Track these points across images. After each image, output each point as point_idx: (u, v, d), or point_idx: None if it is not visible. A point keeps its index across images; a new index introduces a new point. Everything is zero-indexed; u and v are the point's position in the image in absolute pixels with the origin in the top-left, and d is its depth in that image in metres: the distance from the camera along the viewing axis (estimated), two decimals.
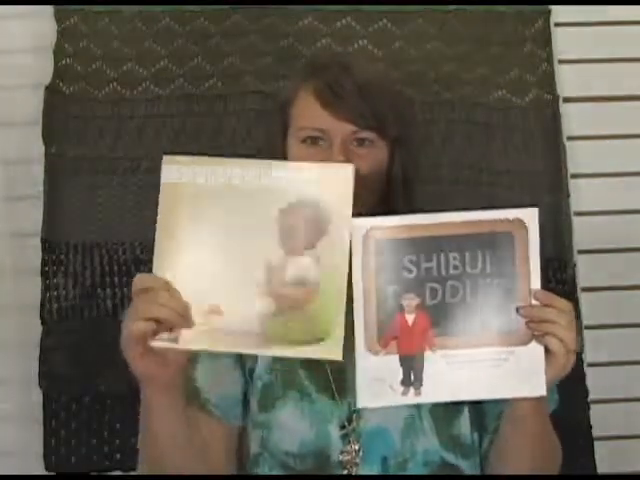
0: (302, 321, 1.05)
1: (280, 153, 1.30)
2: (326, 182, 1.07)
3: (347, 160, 1.21)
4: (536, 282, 1.10)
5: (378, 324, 1.07)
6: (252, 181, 1.07)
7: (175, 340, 1.05)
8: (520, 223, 1.09)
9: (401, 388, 1.08)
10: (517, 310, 1.08)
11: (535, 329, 1.07)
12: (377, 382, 1.08)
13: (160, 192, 1.09)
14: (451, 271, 1.08)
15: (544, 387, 1.08)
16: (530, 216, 1.09)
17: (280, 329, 1.05)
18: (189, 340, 1.06)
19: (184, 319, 1.05)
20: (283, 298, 1.05)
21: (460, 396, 1.10)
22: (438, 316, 1.08)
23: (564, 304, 1.09)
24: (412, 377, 1.08)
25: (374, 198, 1.27)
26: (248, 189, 1.07)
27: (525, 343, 1.08)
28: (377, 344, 1.08)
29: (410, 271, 1.07)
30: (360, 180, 1.22)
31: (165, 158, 1.12)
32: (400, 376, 1.08)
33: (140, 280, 1.07)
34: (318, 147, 1.25)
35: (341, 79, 1.25)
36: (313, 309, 1.05)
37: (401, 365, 1.08)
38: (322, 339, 1.05)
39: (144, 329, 1.04)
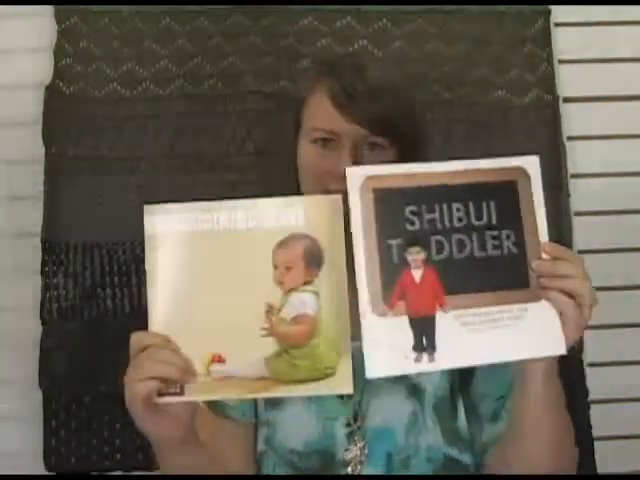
0: (307, 358, 1.03)
1: (292, 152, 1.28)
2: (316, 214, 1.04)
3: (356, 164, 1.20)
4: (543, 234, 1.04)
5: (383, 282, 0.98)
6: (240, 222, 1.04)
7: (180, 393, 1.03)
8: (522, 171, 1.04)
9: (414, 354, 0.98)
10: (528, 265, 1.02)
11: (547, 285, 1.02)
12: (387, 348, 0.98)
13: (145, 244, 1.05)
14: (456, 223, 1.01)
15: (563, 345, 1.02)
16: (532, 164, 1.04)
17: (286, 369, 1.03)
18: (194, 391, 1.03)
19: (187, 374, 1.03)
20: (285, 337, 1.03)
21: (477, 360, 1.02)
22: (446, 272, 1.00)
23: (574, 256, 1.06)
24: (424, 342, 0.99)
25: None
26: (237, 231, 1.04)
27: (539, 299, 1.02)
28: (383, 304, 0.99)
29: (412, 223, 1.00)
30: None
31: (146, 208, 1.05)
32: (411, 340, 0.99)
33: (137, 339, 1.05)
34: (328, 149, 1.23)
35: (355, 81, 1.23)
36: (317, 344, 1.03)
37: (412, 329, 0.99)
38: (331, 373, 1.02)
39: (150, 388, 1.03)
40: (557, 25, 1.81)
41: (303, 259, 1.03)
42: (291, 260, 1.03)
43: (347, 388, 1.02)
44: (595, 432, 1.76)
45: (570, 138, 1.81)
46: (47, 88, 1.78)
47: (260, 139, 1.75)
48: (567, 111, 1.80)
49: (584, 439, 1.75)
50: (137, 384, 1.03)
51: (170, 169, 1.77)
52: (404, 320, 0.99)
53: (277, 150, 1.33)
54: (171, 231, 1.05)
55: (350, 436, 1.23)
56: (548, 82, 1.79)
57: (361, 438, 1.23)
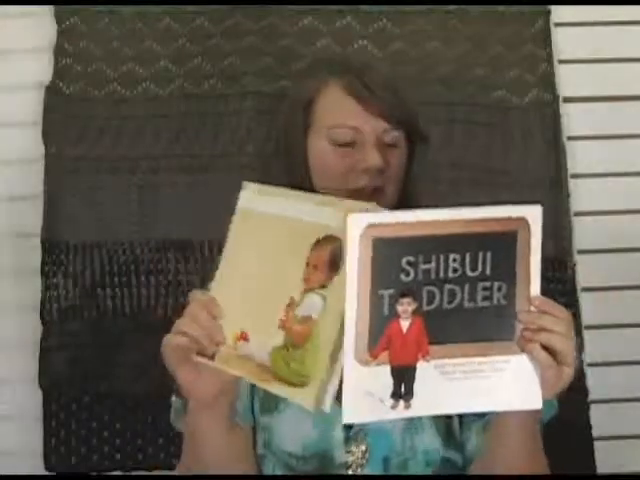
0: (296, 360, 1.03)
1: (300, 154, 1.26)
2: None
3: (382, 157, 1.20)
4: (536, 287, 1.03)
5: (370, 333, 0.98)
6: (299, 214, 1.07)
7: (211, 358, 1.07)
8: (524, 222, 1.02)
9: (391, 401, 0.99)
10: (515, 317, 1.01)
11: (530, 338, 1.01)
12: (365, 396, 0.99)
13: (234, 217, 1.13)
14: (450, 274, 1.00)
15: (540, 399, 1.01)
16: (534, 215, 1.03)
17: (282, 365, 1.04)
18: (224, 360, 1.07)
19: (216, 342, 1.07)
20: (291, 334, 1.04)
21: (452, 409, 1.04)
22: (433, 323, 1.00)
23: (563, 312, 1.03)
24: (403, 389, 0.99)
25: (394, 201, 1.26)
26: (293, 221, 1.07)
27: (522, 352, 1.01)
28: (367, 354, 0.98)
29: (408, 273, 0.99)
30: (389, 178, 1.23)
31: (245, 184, 1.14)
32: (390, 388, 0.99)
33: (194, 294, 1.11)
34: (349, 147, 1.22)
35: (371, 74, 1.23)
36: (307, 350, 1.02)
37: (392, 376, 0.99)
38: (303, 383, 1.01)
39: (179, 342, 1.07)
40: (557, 25, 1.81)
41: (328, 262, 1.04)
42: (320, 260, 1.04)
43: (308, 404, 1.00)
44: (595, 432, 1.76)
45: (570, 138, 1.80)
46: (47, 88, 1.78)
47: (260, 139, 1.75)
48: (567, 111, 1.80)
49: (584, 439, 1.75)
50: (172, 335, 1.08)
51: (170, 169, 1.77)
52: (385, 368, 1.00)
53: (280, 151, 1.31)
54: (252, 210, 1.11)
55: (348, 440, 1.23)
56: (548, 82, 1.79)
57: (362, 441, 1.23)
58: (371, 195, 1.21)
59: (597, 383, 1.77)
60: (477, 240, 1.01)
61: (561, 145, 1.78)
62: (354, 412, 0.99)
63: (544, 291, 1.78)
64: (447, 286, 1.00)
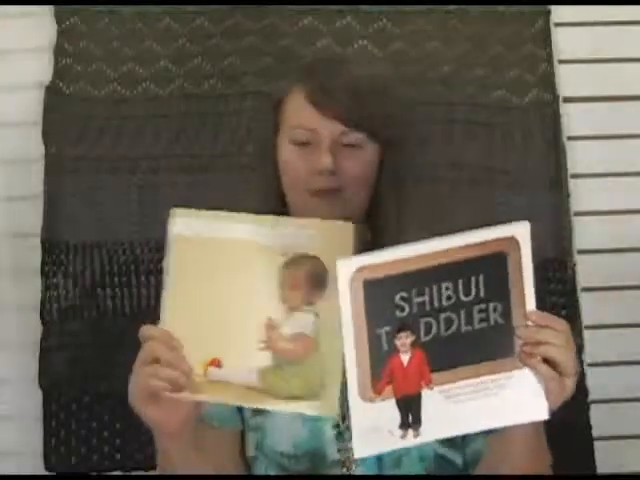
0: (301, 376, 1.05)
1: (272, 154, 1.29)
2: (326, 238, 1.07)
3: (336, 159, 1.21)
4: (531, 302, 1.02)
5: (372, 369, 1.00)
6: (256, 236, 1.08)
7: (179, 390, 1.07)
8: (512, 241, 1.01)
9: (400, 432, 1.02)
10: (514, 333, 1.02)
11: (530, 352, 1.02)
12: (374, 430, 1.02)
13: (169, 245, 1.11)
14: (444, 302, 1.01)
15: (546, 410, 1.03)
16: (522, 232, 1.01)
17: (280, 383, 1.06)
18: (197, 390, 1.07)
19: (181, 375, 1.06)
20: (283, 352, 1.06)
21: (461, 430, 1.04)
22: (433, 352, 1.01)
23: (561, 324, 1.04)
24: (410, 418, 1.02)
25: (364, 202, 1.27)
26: (251, 243, 1.08)
27: (524, 366, 1.03)
28: (371, 391, 1.01)
29: (402, 309, 1.00)
30: (351, 180, 1.23)
31: (176, 211, 1.11)
32: (398, 420, 1.02)
33: (146, 331, 1.10)
34: (308, 148, 1.24)
35: (332, 79, 1.25)
36: (311, 364, 1.06)
37: (398, 408, 1.02)
38: (318, 395, 1.05)
39: (147, 387, 1.08)
40: (557, 25, 1.81)
41: (308, 280, 1.06)
42: (297, 279, 1.06)
43: (331, 411, 1.05)
44: (595, 432, 1.76)
45: (570, 138, 1.80)
46: (47, 88, 1.78)
47: (260, 139, 1.75)
48: (567, 111, 1.80)
49: (584, 439, 1.75)
50: (139, 379, 1.08)
51: (170, 169, 1.77)
52: (391, 402, 1.02)
53: (260, 152, 1.33)
54: (192, 236, 1.09)
55: (339, 437, 1.23)
56: (548, 82, 1.79)
57: (349, 440, 1.23)
58: (330, 197, 1.23)
59: (597, 383, 1.77)
60: (468, 266, 1.01)
61: (561, 145, 1.78)
62: (365, 446, 1.03)
63: (544, 291, 1.79)
64: (443, 315, 1.01)
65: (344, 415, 1.23)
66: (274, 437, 1.25)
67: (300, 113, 1.25)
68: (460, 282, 1.01)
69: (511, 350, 1.02)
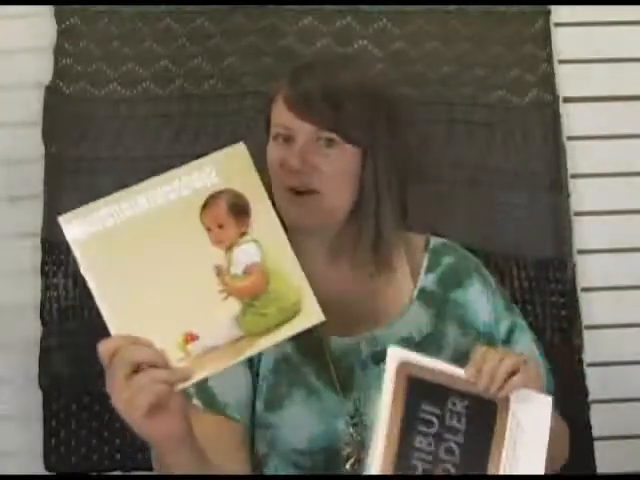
0: (271, 303, 1.04)
1: (262, 150, 1.30)
2: (228, 168, 1.07)
3: (306, 159, 1.22)
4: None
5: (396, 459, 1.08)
6: (159, 200, 1.06)
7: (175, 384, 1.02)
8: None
9: None
10: None
11: (500, 394, 1.10)
12: None
13: (75, 254, 1.04)
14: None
15: (550, 403, 1.14)
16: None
17: (257, 321, 1.04)
18: (198, 368, 1.02)
19: (166, 363, 1.02)
20: (243, 291, 1.04)
21: None
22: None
23: (482, 357, 1.13)
24: None
25: (345, 203, 1.27)
26: (158, 209, 1.05)
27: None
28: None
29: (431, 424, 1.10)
30: (327, 181, 1.24)
31: (62, 218, 1.05)
32: None
33: (106, 346, 1.05)
34: (284, 144, 1.26)
35: (309, 83, 1.25)
36: (275, 288, 1.04)
37: None
38: (298, 309, 1.04)
39: (151, 400, 1.02)
40: (557, 25, 1.81)
41: (231, 213, 1.05)
42: (220, 218, 1.05)
43: (317, 316, 1.04)
44: (595, 432, 1.76)
45: (570, 138, 1.80)
46: (47, 88, 1.78)
47: (260, 139, 1.75)
48: (567, 111, 1.80)
49: (584, 439, 1.75)
50: (136, 396, 1.02)
51: (170, 169, 1.77)
52: None
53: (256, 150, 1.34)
54: (94, 231, 1.05)
55: (353, 432, 1.24)
56: (548, 82, 1.79)
57: (359, 434, 1.23)
58: (308, 198, 1.24)
59: (597, 383, 1.77)
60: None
61: (561, 145, 1.78)
62: None
63: (544, 291, 1.79)
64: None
65: (356, 410, 1.24)
66: (288, 434, 1.25)
67: (280, 112, 1.26)
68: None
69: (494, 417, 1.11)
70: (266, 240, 1.05)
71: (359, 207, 1.28)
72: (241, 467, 1.25)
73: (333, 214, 1.26)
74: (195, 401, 1.24)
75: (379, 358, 1.26)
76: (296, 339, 1.25)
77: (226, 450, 1.23)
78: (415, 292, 1.33)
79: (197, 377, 1.03)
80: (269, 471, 1.27)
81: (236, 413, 1.26)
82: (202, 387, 1.23)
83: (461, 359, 1.27)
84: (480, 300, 1.33)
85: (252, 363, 1.29)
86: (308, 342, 1.27)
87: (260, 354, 1.28)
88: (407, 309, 1.31)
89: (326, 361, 1.26)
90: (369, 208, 1.28)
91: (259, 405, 1.28)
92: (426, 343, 1.29)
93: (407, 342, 1.28)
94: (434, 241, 1.38)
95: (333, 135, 1.24)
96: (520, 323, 1.36)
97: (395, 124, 1.31)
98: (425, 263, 1.35)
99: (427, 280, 1.34)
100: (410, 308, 1.31)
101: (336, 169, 1.25)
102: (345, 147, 1.25)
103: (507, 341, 1.33)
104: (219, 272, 1.04)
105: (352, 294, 1.32)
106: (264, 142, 1.31)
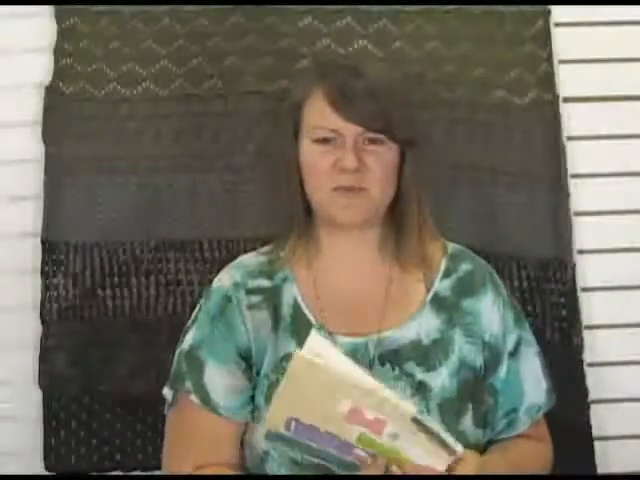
0: None
1: (293, 153, 1.32)
2: None
3: (358, 158, 1.26)
4: None
5: None
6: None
7: None
8: None
9: None
10: None
11: None
12: None
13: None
14: None
15: None
16: None
17: None
18: None
19: None
20: None
21: None
22: None
23: None
24: None
25: (387, 199, 1.31)
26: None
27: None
28: None
29: None
30: (375, 178, 1.27)
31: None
32: None
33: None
34: (330, 145, 1.28)
35: (351, 81, 1.28)
36: None
37: None
38: None
39: None
40: (557, 25, 1.81)
41: None
42: None
43: None
44: (595, 432, 1.76)
45: (570, 138, 1.80)
46: (47, 88, 1.78)
47: (260, 139, 1.75)
48: (567, 111, 1.80)
49: (584, 439, 1.75)
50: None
51: (170, 169, 1.77)
52: None
53: (276, 152, 1.35)
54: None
55: None
56: (548, 82, 1.78)
57: None
58: (355, 195, 1.27)
59: (597, 383, 1.77)
60: None
61: (561, 145, 1.78)
62: None
63: (544, 291, 1.79)
64: None
65: None
66: None
67: (321, 114, 1.28)
68: None
69: None
70: None
71: (399, 202, 1.32)
72: (232, 460, 1.31)
73: (378, 209, 1.31)
74: (193, 397, 1.30)
75: (386, 359, 1.27)
76: (300, 338, 1.27)
77: (219, 443, 1.30)
78: (429, 297, 1.33)
79: None
80: (271, 468, 1.28)
81: (229, 413, 1.30)
82: (199, 385, 1.30)
83: (465, 366, 1.28)
84: (490, 311, 1.34)
85: (250, 363, 1.30)
86: None
87: (263, 354, 1.29)
88: (418, 313, 1.32)
89: None
90: (412, 203, 1.32)
91: (261, 402, 1.29)
92: (433, 348, 1.30)
93: (414, 345, 1.29)
94: (452, 247, 1.39)
95: (378, 135, 1.27)
96: (526, 337, 1.38)
97: (414, 120, 1.34)
98: (442, 268, 1.36)
99: (442, 286, 1.34)
100: (421, 312, 1.32)
101: (383, 166, 1.29)
102: (389, 144, 1.29)
103: (513, 354, 1.34)
104: None
105: (367, 295, 1.33)
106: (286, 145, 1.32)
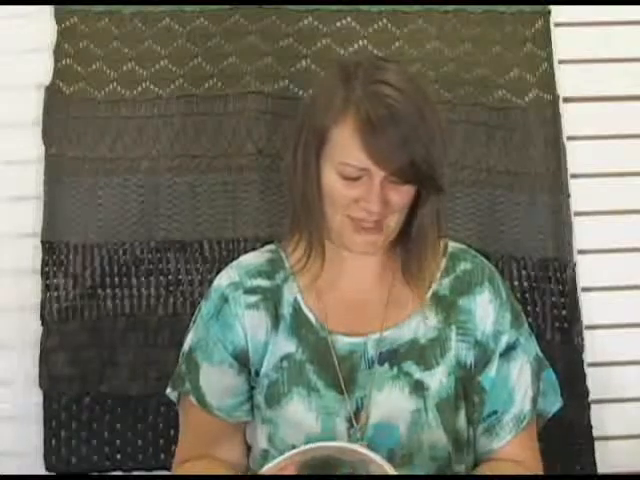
0: None
1: (314, 172, 1.26)
2: None
3: (384, 196, 1.21)
4: None
5: None
6: None
7: None
8: None
9: None
10: None
11: None
12: None
13: None
14: None
15: None
16: None
17: None
18: None
19: None
20: None
21: None
22: None
23: None
24: None
25: (399, 225, 1.28)
26: None
27: None
28: None
29: None
30: (392, 211, 1.24)
31: None
32: None
33: None
34: (358, 181, 1.22)
35: (385, 121, 1.19)
36: None
37: None
38: None
39: None
40: (557, 25, 1.81)
41: None
42: None
43: None
44: (595, 432, 1.76)
45: (570, 138, 1.80)
46: (47, 88, 1.78)
47: (260, 139, 1.75)
48: (567, 111, 1.80)
49: (584, 439, 1.75)
50: None
51: (170, 169, 1.77)
52: None
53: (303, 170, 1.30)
54: None
55: (352, 431, 1.25)
56: (548, 82, 1.79)
57: (361, 434, 1.24)
58: (372, 231, 1.25)
59: (597, 383, 1.77)
60: None
61: (561, 145, 1.78)
62: None
63: (544, 291, 1.79)
64: None
65: (358, 409, 1.26)
66: (286, 430, 1.27)
67: (350, 150, 1.21)
68: None
69: None
70: None
71: (413, 225, 1.29)
72: (232, 459, 1.33)
73: (391, 236, 1.29)
74: (191, 397, 1.32)
75: (385, 358, 1.27)
76: (300, 338, 1.27)
77: (215, 441, 1.32)
78: (427, 295, 1.33)
79: None
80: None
81: (223, 413, 1.31)
82: (196, 386, 1.32)
83: (460, 365, 1.28)
84: (485, 310, 1.33)
85: (246, 364, 1.30)
86: (313, 341, 1.28)
87: (261, 354, 1.30)
88: (417, 312, 1.32)
89: (330, 360, 1.27)
90: (424, 228, 1.30)
91: (260, 401, 1.30)
92: (431, 347, 1.30)
93: (413, 344, 1.29)
94: (452, 246, 1.38)
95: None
96: (523, 342, 1.35)
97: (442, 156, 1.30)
98: (442, 267, 1.35)
99: (441, 284, 1.34)
100: (420, 311, 1.32)
101: (403, 201, 1.25)
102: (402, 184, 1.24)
103: (504, 355, 1.33)
104: None
105: (369, 296, 1.33)
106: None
